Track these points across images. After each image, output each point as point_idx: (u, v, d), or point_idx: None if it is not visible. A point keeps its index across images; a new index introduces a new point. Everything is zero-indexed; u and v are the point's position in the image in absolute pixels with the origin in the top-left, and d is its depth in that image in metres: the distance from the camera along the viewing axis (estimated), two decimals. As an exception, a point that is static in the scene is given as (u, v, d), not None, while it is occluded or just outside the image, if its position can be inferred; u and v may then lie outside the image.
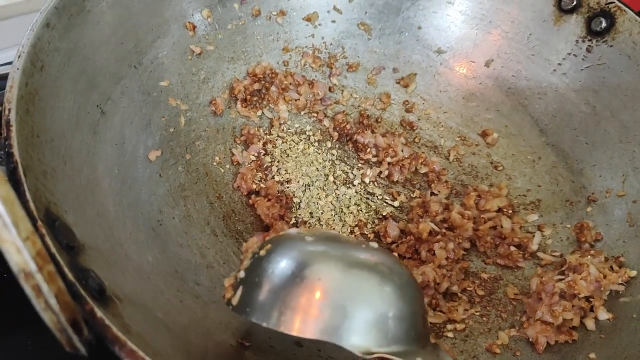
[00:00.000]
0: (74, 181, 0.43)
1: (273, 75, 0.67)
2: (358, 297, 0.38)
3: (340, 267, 0.38)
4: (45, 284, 0.26)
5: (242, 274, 0.39)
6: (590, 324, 0.51)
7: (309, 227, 0.60)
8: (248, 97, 0.65)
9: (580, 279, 0.52)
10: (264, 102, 0.67)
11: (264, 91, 0.66)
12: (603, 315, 0.51)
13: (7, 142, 0.37)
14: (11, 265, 0.26)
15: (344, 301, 0.37)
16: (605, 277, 0.52)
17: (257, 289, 0.37)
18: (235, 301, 0.39)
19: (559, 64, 0.66)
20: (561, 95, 0.65)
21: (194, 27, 0.63)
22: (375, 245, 0.43)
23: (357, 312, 0.37)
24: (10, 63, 0.74)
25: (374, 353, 0.36)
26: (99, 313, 0.31)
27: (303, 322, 0.36)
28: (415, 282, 0.42)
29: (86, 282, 0.34)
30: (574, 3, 0.64)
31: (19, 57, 0.42)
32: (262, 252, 0.39)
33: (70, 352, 0.30)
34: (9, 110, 0.38)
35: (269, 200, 0.60)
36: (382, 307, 0.38)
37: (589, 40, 0.63)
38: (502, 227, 0.60)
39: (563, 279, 0.53)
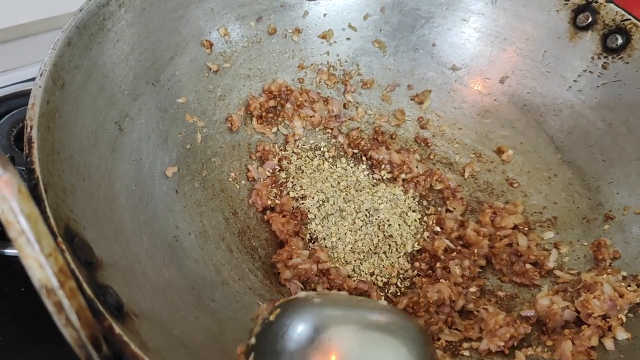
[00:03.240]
0: (92, 197, 0.43)
1: (288, 92, 0.67)
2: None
3: (352, 330, 0.38)
4: (67, 300, 0.26)
5: (252, 340, 0.38)
6: (609, 343, 0.50)
7: (318, 286, 0.56)
8: (264, 113, 0.66)
9: (594, 298, 0.51)
10: (279, 119, 0.67)
11: (279, 108, 0.67)
12: (621, 335, 0.50)
13: (28, 159, 0.37)
14: (33, 281, 0.26)
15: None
16: (622, 296, 0.51)
17: (269, 354, 0.36)
18: None
19: (575, 81, 0.65)
20: (577, 112, 0.65)
21: (211, 44, 0.63)
22: (384, 303, 0.43)
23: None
24: (31, 80, 0.77)
25: None
26: (118, 329, 0.32)
27: None
28: (425, 335, 0.40)
29: (104, 298, 0.34)
30: (589, 20, 0.64)
31: (41, 75, 0.42)
32: (272, 317, 0.38)
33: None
34: (31, 127, 0.39)
35: (283, 216, 0.60)
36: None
37: (604, 57, 0.63)
38: (518, 244, 0.60)
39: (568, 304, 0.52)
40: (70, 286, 0.26)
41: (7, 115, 0.69)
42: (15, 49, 0.79)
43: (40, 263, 0.25)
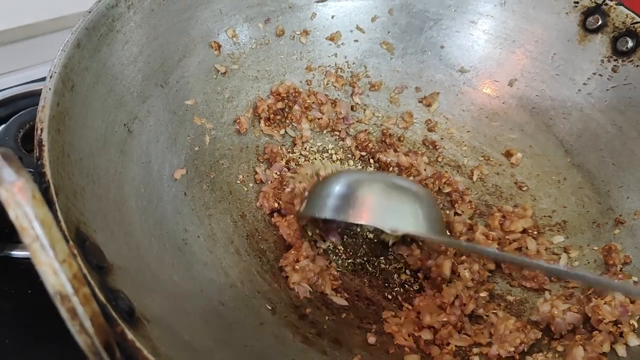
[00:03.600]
0: (101, 201, 0.43)
1: (296, 94, 0.67)
2: (394, 204, 0.55)
3: (382, 183, 0.57)
4: (81, 307, 0.26)
5: (306, 194, 0.58)
6: (621, 350, 0.50)
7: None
8: (271, 115, 0.66)
9: (604, 303, 0.51)
10: (287, 121, 0.67)
11: (287, 110, 0.66)
12: (633, 341, 0.50)
13: (39, 162, 0.37)
14: (48, 287, 0.26)
15: (383, 205, 0.55)
16: (633, 302, 0.51)
17: (318, 198, 0.56)
18: (302, 209, 0.57)
19: (584, 84, 0.65)
20: (586, 115, 0.65)
21: (219, 46, 0.63)
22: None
23: (392, 211, 0.55)
24: (38, 80, 0.76)
25: (399, 230, 0.54)
26: (130, 335, 0.31)
27: (354, 213, 0.54)
28: (434, 200, 0.61)
29: (116, 303, 0.34)
30: (599, 22, 0.63)
31: (50, 77, 0.42)
32: (321, 179, 0.59)
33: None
34: (41, 130, 0.39)
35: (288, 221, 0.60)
36: (412, 208, 0.55)
37: (614, 60, 0.63)
38: (527, 248, 0.59)
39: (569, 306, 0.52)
40: (84, 292, 0.26)
41: (15, 116, 0.68)
42: (22, 50, 0.79)
43: (54, 269, 0.25)
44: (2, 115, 0.70)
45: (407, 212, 0.55)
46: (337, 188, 0.56)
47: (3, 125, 0.67)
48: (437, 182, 0.66)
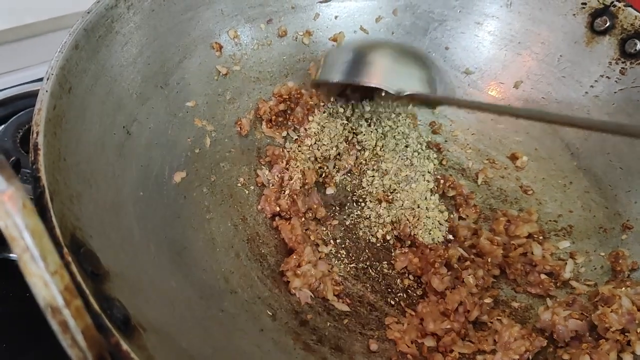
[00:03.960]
0: (99, 205, 0.42)
1: (298, 96, 0.66)
2: (399, 68, 0.62)
3: (389, 49, 0.64)
4: (73, 320, 0.25)
5: (322, 62, 0.65)
6: (628, 358, 0.49)
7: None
8: (273, 117, 0.65)
9: (611, 311, 0.50)
10: (289, 123, 0.66)
11: (289, 112, 0.65)
12: (640, 350, 0.49)
13: (34, 167, 0.36)
14: (38, 299, 0.25)
15: (389, 68, 0.62)
16: None
17: (332, 64, 0.64)
18: (317, 75, 0.65)
19: (591, 86, 0.64)
20: (593, 118, 0.64)
21: (221, 47, 0.62)
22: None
23: (398, 74, 0.61)
24: (38, 80, 0.76)
25: (405, 91, 0.60)
26: (125, 346, 0.30)
27: (365, 76, 0.61)
28: (430, 58, 0.68)
29: (111, 312, 0.33)
30: (607, 24, 0.62)
31: (47, 79, 0.41)
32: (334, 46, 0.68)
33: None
34: (37, 133, 0.38)
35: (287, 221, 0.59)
36: (414, 75, 0.62)
37: (622, 62, 0.62)
38: (532, 253, 0.59)
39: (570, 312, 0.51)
40: (76, 305, 0.25)
41: (14, 117, 0.67)
42: (22, 49, 0.78)
43: (45, 281, 0.24)
44: (1, 116, 0.70)
45: (413, 75, 0.62)
46: (349, 54, 0.63)
47: (2, 126, 0.67)
48: (441, 186, 0.65)
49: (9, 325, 0.54)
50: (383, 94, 0.61)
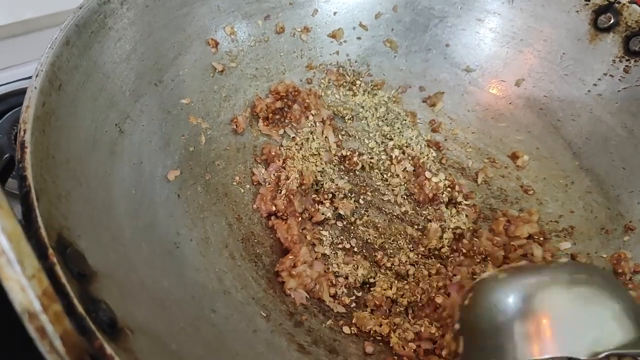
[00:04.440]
0: (89, 204, 0.41)
1: (296, 93, 0.65)
2: (579, 313, 0.40)
3: (557, 290, 0.42)
4: (51, 325, 0.24)
5: (457, 326, 0.44)
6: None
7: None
8: (270, 115, 0.64)
9: None
10: (286, 121, 0.65)
11: (286, 109, 0.65)
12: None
13: (20, 165, 0.35)
14: (15, 305, 0.24)
15: (568, 319, 0.40)
16: None
17: (476, 334, 0.42)
18: (460, 350, 0.44)
19: (594, 85, 0.63)
20: (596, 117, 0.63)
21: (217, 43, 0.61)
22: (565, 259, 0.52)
23: (581, 325, 0.40)
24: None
25: (600, 353, 0.38)
26: (109, 350, 0.30)
27: (537, 346, 0.39)
28: (617, 281, 0.47)
29: (97, 314, 0.32)
30: (611, 21, 0.61)
31: (36, 75, 0.40)
32: (467, 302, 0.44)
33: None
34: (24, 131, 0.37)
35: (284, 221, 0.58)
36: (602, 315, 0.40)
37: (626, 60, 0.61)
38: (533, 254, 0.57)
39: None
40: (55, 310, 0.24)
41: (9, 113, 0.67)
42: (18, 46, 0.78)
43: (22, 286, 0.24)
44: (-5, 112, 0.69)
45: (604, 319, 0.40)
46: (500, 316, 0.42)
47: (-3, 122, 0.66)
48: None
49: None
50: None
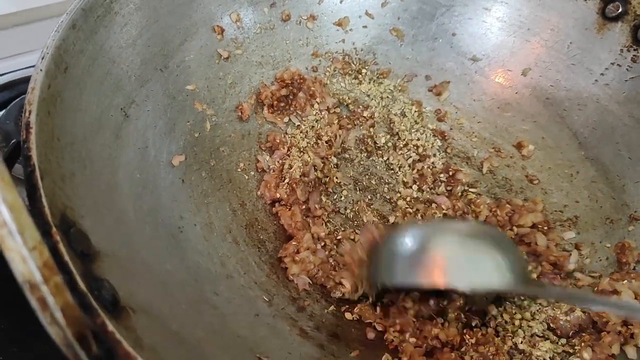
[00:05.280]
0: (93, 185, 0.42)
1: (301, 81, 0.65)
2: (469, 258, 0.49)
3: (453, 238, 0.50)
4: (52, 297, 0.25)
5: (364, 257, 0.53)
6: (631, 351, 0.48)
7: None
8: (275, 102, 0.64)
9: None
10: (291, 108, 0.65)
11: (291, 97, 0.65)
12: (644, 342, 0.48)
13: (25, 145, 0.36)
14: (16, 275, 0.24)
15: (457, 260, 0.49)
16: None
17: (387, 265, 0.50)
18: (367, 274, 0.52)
19: (602, 74, 0.62)
20: (603, 106, 0.62)
21: (223, 30, 0.62)
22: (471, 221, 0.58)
23: (467, 267, 0.48)
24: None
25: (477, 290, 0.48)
26: (110, 327, 0.30)
27: (427, 274, 0.48)
28: (510, 240, 0.55)
29: (99, 292, 0.33)
30: (620, 10, 0.61)
31: (42, 58, 0.41)
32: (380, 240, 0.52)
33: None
34: (30, 112, 0.37)
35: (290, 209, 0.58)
36: (487, 263, 0.48)
37: (634, 50, 0.60)
38: (536, 244, 0.57)
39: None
40: (56, 282, 0.25)
41: (17, 100, 0.67)
42: (26, 33, 0.78)
43: (23, 257, 0.24)
44: (5, 99, 0.70)
45: (488, 265, 0.48)
46: (403, 248, 0.50)
47: (5, 109, 0.67)
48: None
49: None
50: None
